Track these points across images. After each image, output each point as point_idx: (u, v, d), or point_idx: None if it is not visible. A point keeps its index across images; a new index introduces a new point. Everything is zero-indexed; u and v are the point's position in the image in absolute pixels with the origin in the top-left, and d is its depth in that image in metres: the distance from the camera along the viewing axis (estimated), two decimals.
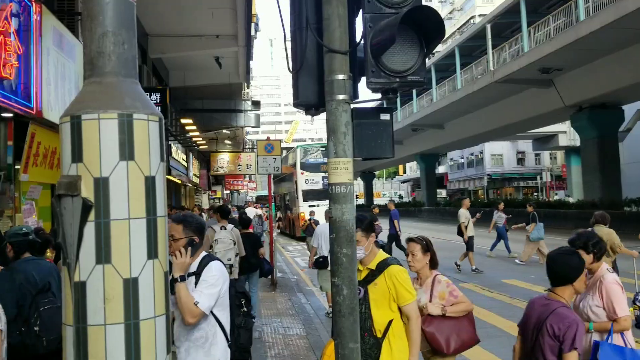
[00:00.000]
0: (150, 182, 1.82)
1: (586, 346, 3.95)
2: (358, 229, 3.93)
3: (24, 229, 4.60)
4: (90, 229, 1.72)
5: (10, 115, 6.83)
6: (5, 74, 5.99)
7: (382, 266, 3.98)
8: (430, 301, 4.26)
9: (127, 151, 1.77)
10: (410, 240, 4.44)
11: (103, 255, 1.71)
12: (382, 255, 4.08)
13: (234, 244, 8.44)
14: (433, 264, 4.38)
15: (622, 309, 3.99)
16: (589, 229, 6.38)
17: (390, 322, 3.87)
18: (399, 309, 3.89)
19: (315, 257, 9.35)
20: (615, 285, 4.04)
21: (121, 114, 1.78)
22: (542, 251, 14.69)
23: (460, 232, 14.73)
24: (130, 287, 1.73)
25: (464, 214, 14.67)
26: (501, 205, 18.11)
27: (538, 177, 61.60)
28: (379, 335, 3.87)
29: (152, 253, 1.80)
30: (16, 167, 7.21)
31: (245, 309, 4.12)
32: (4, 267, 4.46)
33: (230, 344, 3.55)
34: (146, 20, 14.90)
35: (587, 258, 4.07)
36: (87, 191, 1.73)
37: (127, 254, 1.74)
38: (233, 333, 3.78)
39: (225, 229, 8.53)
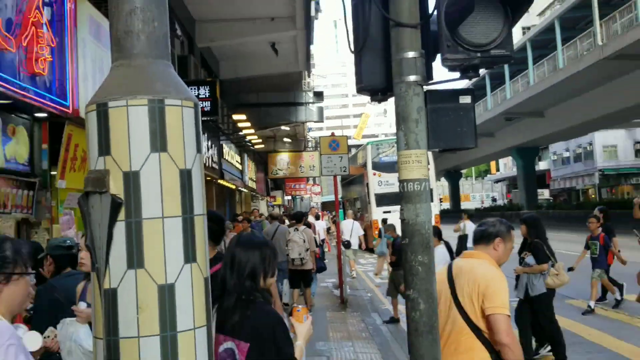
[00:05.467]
0: (185, 176, 1.86)
1: None
2: None
3: (67, 241, 4.78)
4: (120, 230, 1.77)
5: (45, 115, 7.17)
6: (38, 70, 6.29)
7: None
8: None
9: (159, 142, 1.81)
10: None
11: (135, 258, 1.77)
12: None
13: (304, 241, 11.91)
14: None
15: None
16: None
17: None
18: None
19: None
20: None
21: (152, 99, 1.82)
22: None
23: None
24: (166, 294, 1.78)
25: None
26: None
27: None
28: None
29: (189, 256, 1.84)
30: (52, 173, 7.55)
31: None
32: (41, 284, 4.63)
33: None
34: (193, 5, 15.28)
35: None
36: (116, 187, 1.79)
37: (162, 258, 1.78)
38: None
39: (298, 230, 12.10)
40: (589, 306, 10.71)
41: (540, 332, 7.73)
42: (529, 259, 7.61)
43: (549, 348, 7.81)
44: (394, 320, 10.95)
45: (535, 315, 7.58)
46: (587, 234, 11.27)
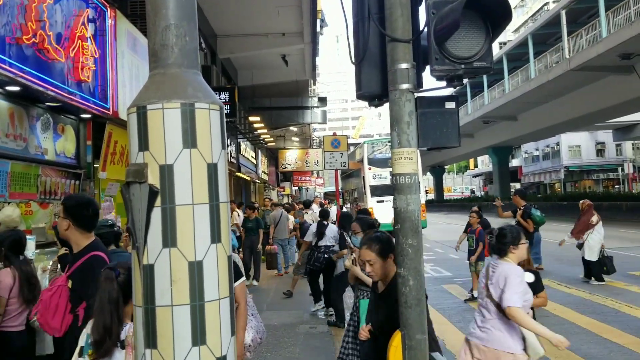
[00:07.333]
0: (212, 169, 1.88)
1: None
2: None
3: (109, 220, 4.80)
4: (156, 214, 1.79)
5: (89, 116, 7.19)
6: (83, 77, 6.31)
7: None
8: None
9: (189, 139, 1.83)
10: None
11: (169, 239, 1.79)
12: None
13: (313, 221, 12.64)
14: None
15: None
16: None
17: None
18: None
19: None
20: None
21: (184, 103, 1.84)
22: None
23: None
24: (195, 269, 1.80)
25: None
26: None
27: (619, 168, 58.72)
28: None
29: (215, 237, 1.86)
30: (95, 165, 7.58)
31: None
32: None
33: None
34: (215, 22, 15.31)
35: None
36: (153, 178, 1.81)
37: (192, 238, 1.81)
38: None
39: (307, 213, 14.06)
40: (472, 295, 10.06)
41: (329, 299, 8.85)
42: (335, 246, 8.71)
43: (331, 312, 8.68)
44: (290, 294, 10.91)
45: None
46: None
